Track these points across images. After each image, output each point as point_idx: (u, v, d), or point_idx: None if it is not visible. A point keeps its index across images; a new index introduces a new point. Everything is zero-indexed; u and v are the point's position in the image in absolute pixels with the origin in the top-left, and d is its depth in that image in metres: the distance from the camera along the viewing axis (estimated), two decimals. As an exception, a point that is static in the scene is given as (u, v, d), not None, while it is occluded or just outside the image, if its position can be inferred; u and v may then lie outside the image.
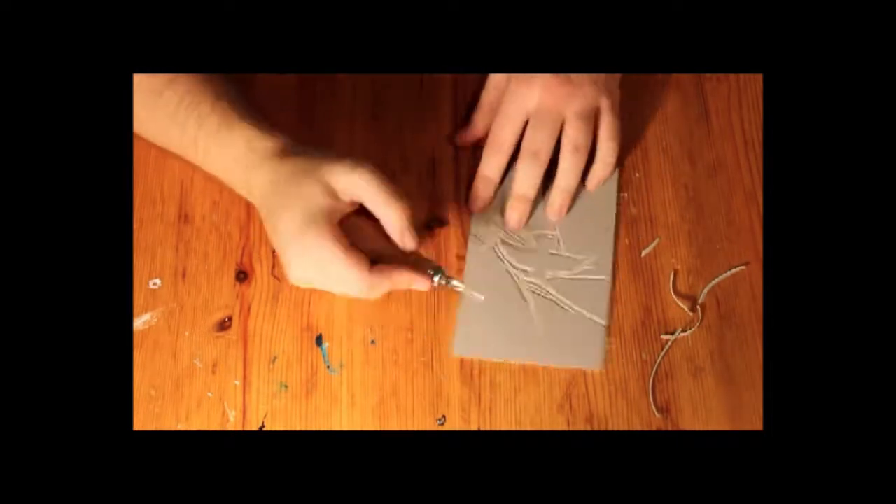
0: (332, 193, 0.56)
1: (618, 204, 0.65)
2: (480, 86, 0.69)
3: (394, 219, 0.57)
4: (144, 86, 0.58)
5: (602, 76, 0.64)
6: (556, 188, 0.64)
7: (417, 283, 0.59)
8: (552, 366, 0.60)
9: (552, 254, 0.63)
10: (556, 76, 0.63)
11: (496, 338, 0.60)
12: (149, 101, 0.59)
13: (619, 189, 0.65)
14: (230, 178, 0.60)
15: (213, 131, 0.58)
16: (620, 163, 0.67)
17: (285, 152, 0.57)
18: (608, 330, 0.61)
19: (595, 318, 0.61)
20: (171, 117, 0.59)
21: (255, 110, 0.59)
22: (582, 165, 0.64)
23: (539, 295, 0.62)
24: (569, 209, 0.64)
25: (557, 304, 0.61)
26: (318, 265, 0.56)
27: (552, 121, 0.63)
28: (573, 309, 0.61)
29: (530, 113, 0.64)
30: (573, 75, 0.63)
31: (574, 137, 0.63)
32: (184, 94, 0.58)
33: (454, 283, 0.61)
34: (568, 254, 0.63)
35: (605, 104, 0.64)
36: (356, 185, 0.56)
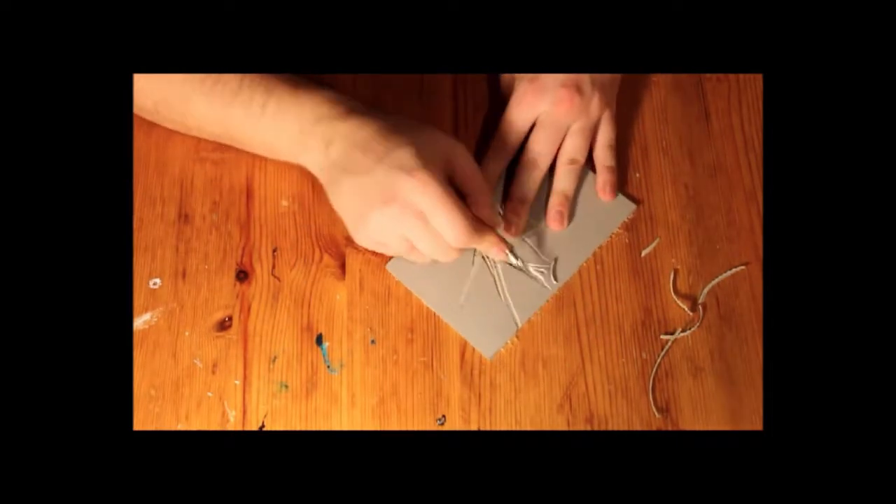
0: (441, 148, 0.57)
1: (611, 236, 0.65)
2: (480, 86, 0.69)
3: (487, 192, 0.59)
4: (196, 76, 0.59)
5: (608, 81, 0.65)
6: (553, 192, 0.64)
7: (497, 248, 0.59)
8: (453, 328, 0.61)
9: (523, 239, 0.64)
10: (567, 87, 0.63)
11: (426, 278, 0.62)
12: (204, 87, 0.59)
13: (627, 227, 0.65)
14: (304, 139, 0.58)
15: (288, 93, 0.58)
16: (621, 165, 0.67)
17: (369, 111, 0.58)
18: (518, 332, 0.61)
19: (517, 315, 0.61)
20: (234, 94, 0.58)
21: (321, 82, 0.61)
22: (578, 173, 0.65)
23: (486, 265, 0.62)
24: (569, 220, 0.64)
25: (495, 284, 0.62)
26: (429, 201, 0.55)
27: (557, 132, 0.64)
28: (504, 296, 0.62)
29: (537, 121, 0.64)
30: (584, 83, 0.63)
31: (572, 152, 0.64)
32: (244, 75, 0.59)
33: (530, 267, 0.62)
34: (536, 248, 0.64)
35: (606, 115, 0.65)
36: (461, 152, 0.58)
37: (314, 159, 0.58)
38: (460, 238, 0.56)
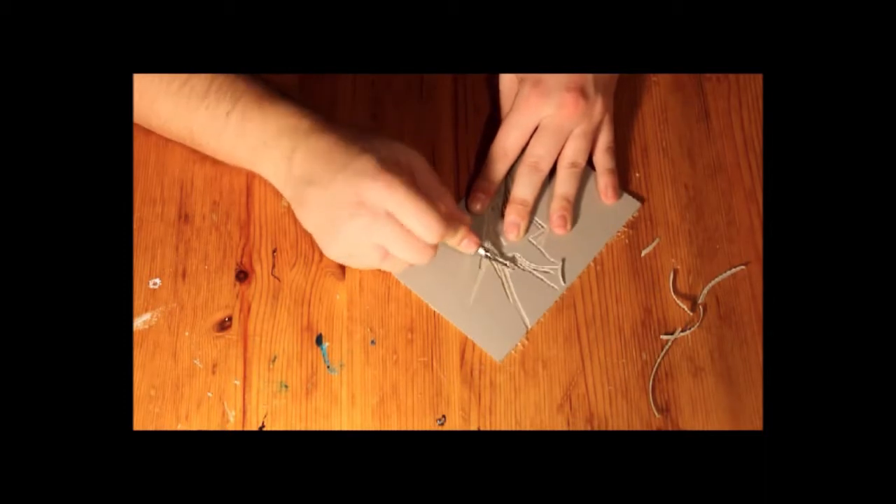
0: (401, 155, 0.57)
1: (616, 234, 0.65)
2: (480, 86, 0.69)
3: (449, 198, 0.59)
4: (164, 77, 0.59)
5: (609, 82, 0.65)
6: (555, 197, 0.64)
7: (469, 240, 0.60)
8: (462, 332, 0.60)
9: (529, 241, 0.64)
10: (571, 90, 0.63)
11: (435, 284, 0.62)
12: (171, 88, 0.59)
13: (632, 225, 0.65)
14: (266, 150, 0.58)
15: (252, 105, 0.58)
16: (621, 165, 0.67)
17: (332, 125, 0.58)
18: (528, 333, 0.61)
19: (526, 317, 0.61)
20: (200, 98, 0.58)
21: (286, 94, 0.60)
22: (579, 176, 0.65)
23: (492, 267, 0.62)
24: (573, 223, 0.64)
25: (503, 286, 0.62)
26: (397, 200, 0.55)
27: (559, 136, 0.64)
28: (513, 298, 0.62)
29: (540, 124, 0.64)
30: (588, 87, 0.63)
31: (573, 155, 0.64)
32: (213, 79, 0.58)
33: (499, 259, 0.62)
34: (542, 249, 0.64)
35: (606, 118, 0.65)
36: (419, 160, 0.58)
37: (275, 171, 0.59)
38: (434, 231, 0.56)
